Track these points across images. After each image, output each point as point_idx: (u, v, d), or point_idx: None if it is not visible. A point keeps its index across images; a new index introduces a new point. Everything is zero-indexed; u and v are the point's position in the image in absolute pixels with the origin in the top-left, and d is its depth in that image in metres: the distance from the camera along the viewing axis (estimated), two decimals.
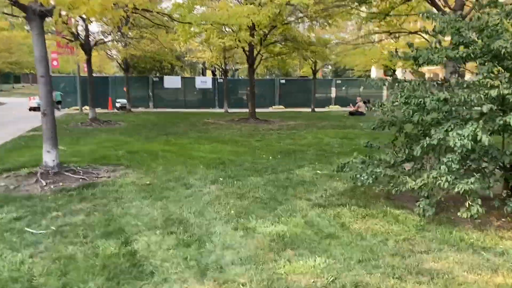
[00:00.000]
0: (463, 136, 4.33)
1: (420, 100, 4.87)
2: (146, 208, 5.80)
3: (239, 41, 13.89)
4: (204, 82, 28.74)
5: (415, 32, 10.23)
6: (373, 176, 5.78)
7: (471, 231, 4.81)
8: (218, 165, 8.71)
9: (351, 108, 21.92)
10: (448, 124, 4.71)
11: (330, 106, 28.65)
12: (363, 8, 13.17)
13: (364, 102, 21.73)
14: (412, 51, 5.74)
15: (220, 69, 23.98)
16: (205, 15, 9.98)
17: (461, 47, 5.32)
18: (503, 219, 5.18)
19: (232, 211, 5.59)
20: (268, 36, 16.05)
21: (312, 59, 22.69)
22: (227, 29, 16.80)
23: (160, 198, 6.27)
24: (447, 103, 4.73)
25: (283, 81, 28.84)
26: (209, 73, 33.26)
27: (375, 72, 54.10)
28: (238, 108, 26.01)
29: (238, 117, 19.50)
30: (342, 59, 21.53)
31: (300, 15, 18.51)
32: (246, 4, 14.02)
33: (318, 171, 8.14)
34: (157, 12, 10.22)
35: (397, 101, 5.84)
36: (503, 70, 5.01)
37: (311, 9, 13.02)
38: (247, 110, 25.02)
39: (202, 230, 4.93)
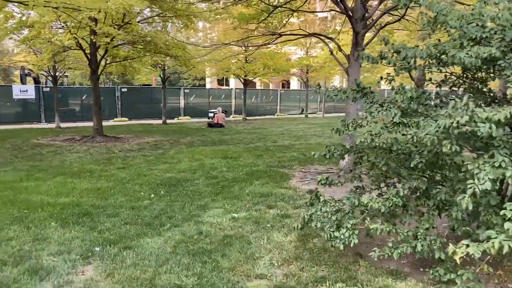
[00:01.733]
0: None
1: (452, 121, 3.15)
2: None
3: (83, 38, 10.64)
4: (24, 91, 23.30)
5: (314, 34, 8.83)
6: (357, 233, 3.91)
7: None
8: (80, 217, 5.76)
9: (215, 120, 19.81)
10: (501, 158, 3.10)
11: (179, 117, 26.34)
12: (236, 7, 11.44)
13: (224, 112, 20.15)
14: (401, 49, 4.03)
15: (48, 76, 19.43)
16: None
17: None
18: None
19: None
20: (116, 35, 12.98)
21: (161, 64, 20.16)
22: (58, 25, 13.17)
23: None
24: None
25: (124, 89, 25.37)
26: (30, 80, 27.49)
27: (210, 83, 53.92)
28: (70, 122, 21.68)
29: (78, 133, 15.75)
30: (197, 67, 19.56)
31: (148, 14, 15.92)
32: None
33: (233, 214, 5.92)
34: None
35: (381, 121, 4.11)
36: None
37: (181, 2, 10.68)
38: (82, 124, 21.08)
39: None
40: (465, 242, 3.14)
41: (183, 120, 25.54)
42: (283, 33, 9.14)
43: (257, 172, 8.96)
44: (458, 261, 3.10)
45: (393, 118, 3.81)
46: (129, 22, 12.22)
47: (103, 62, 15.08)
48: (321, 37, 8.53)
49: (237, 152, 11.69)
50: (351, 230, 3.88)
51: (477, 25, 3.80)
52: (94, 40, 12.75)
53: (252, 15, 10.58)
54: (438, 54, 3.60)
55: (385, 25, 8.23)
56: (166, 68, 20.88)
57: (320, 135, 16.29)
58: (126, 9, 10.71)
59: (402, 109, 3.91)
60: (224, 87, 53.78)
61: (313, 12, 9.17)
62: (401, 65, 3.92)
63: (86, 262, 4.31)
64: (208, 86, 53.68)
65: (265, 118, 27.60)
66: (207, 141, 14.24)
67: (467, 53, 3.39)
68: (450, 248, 3.13)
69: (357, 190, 4.55)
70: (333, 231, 3.92)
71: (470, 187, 3.08)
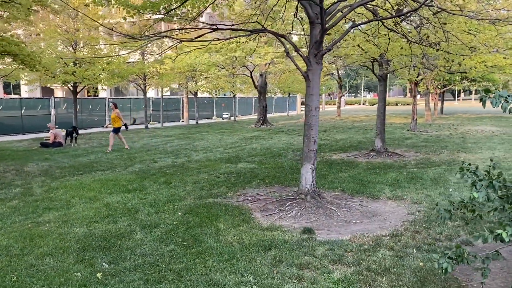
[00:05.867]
0: None
1: None
2: None
3: None
4: None
5: (265, 30, 6.81)
6: None
7: None
8: None
9: (52, 138, 15.36)
10: None
11: None
12: None
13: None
14: None
15: None
16: None
17: None
18: None
19: None
20: None
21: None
22: None
23: None
24: None
25: None
26: None
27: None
28: None
29: None
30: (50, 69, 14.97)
31: None
32: None
33: None
34: None
35: None
36: None
37: None
38: None
39: None
40: None
41: None
42: (218, 27, 7.09)
43: (197, 209, 6.79)
44: None
45: None
46: None
47: None
48: (275, 35, 6.92)
49: (132, 180, 9.01)
50: None
51: None
52: None
53: (159, 2, 8.28)
54: None
55: (368, 21, 7.16)
56: None
57: (195, 149, 14.39)
58: None
59: None
60: (14, 95, 45.59)
61: None
62: None
63: None
64: None
65: (97, 131, 23.75)
66: (66, 168, 10.79)
67: None
68: None
69: None
70: None
71: None
